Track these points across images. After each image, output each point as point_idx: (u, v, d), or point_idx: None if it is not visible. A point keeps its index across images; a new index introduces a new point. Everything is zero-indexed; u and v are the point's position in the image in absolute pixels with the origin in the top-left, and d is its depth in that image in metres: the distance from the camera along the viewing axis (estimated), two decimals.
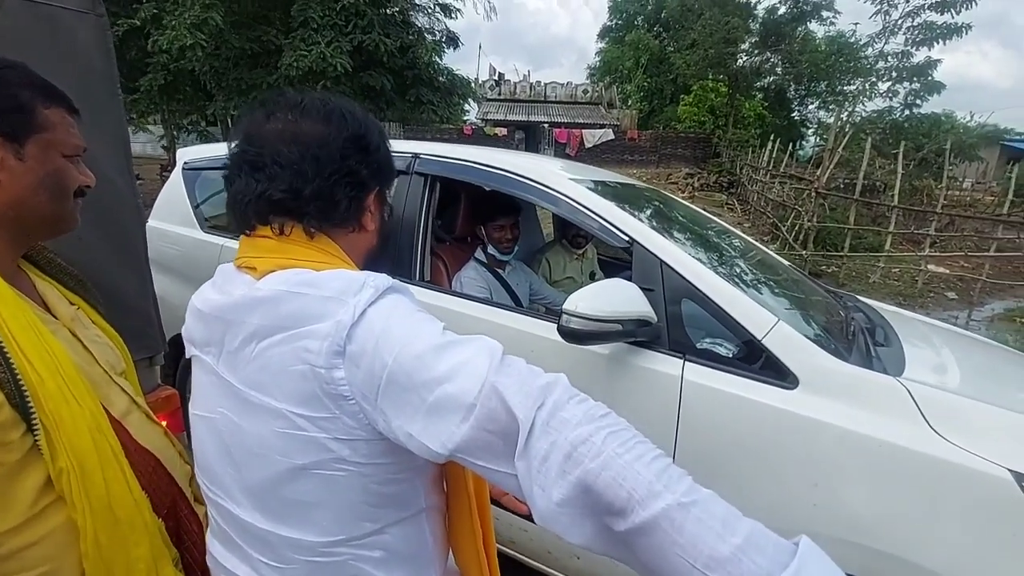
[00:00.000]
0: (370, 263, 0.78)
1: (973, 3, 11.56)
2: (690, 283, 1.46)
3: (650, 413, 1.44)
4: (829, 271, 7.71)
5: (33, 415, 0.69)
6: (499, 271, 2.25)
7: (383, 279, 0.63)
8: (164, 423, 1.00)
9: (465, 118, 22.62)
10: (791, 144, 12.53)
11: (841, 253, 7.79)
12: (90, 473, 0.72)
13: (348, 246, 0.73)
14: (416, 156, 2.00)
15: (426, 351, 0.57)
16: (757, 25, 19.98)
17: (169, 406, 1.43)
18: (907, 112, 14.80)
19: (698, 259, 1.54)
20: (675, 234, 1.72)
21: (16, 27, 1.15)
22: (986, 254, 7.00)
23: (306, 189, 0.66)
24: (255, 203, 0.67)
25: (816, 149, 19.27)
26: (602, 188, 1.84)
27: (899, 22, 12.38)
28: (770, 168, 12.17)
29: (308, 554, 0.66)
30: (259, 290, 0.63)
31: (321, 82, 10.37)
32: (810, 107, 23.97)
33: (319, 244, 0.69)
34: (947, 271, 7.59)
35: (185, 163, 2.75)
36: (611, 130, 21.25)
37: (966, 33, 12.30)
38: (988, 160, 17.94)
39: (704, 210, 2.65)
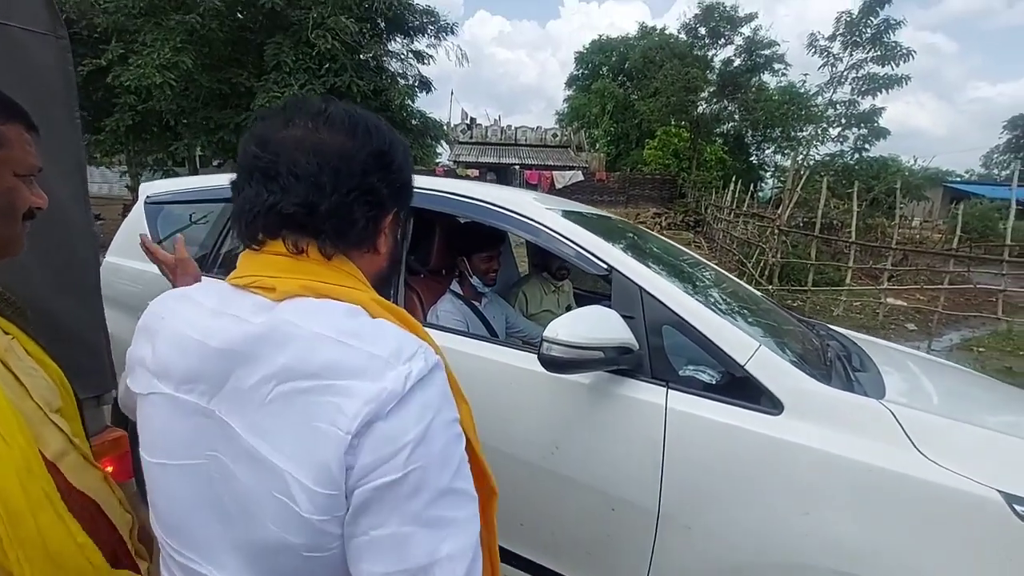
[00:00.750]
0: (381, 289, 0.71)
1: (911, 56, 12.54)
2: (671, 310, 1.44)
3: (634, 444, 1.39)
4: (795, 305, 7.92)
5: None
6: (475, 304, 2.21)
7: (431, 351, 0.58)
8: (109, 468, 0.90)
9: (438, 160, 22.95)
10: (751, 185, 13.11)
11: (805, 288, 8.04)
12: (18, 517, 0.63)
13: (363, 270, 0.67)
14: None
15: (444, 486, 0.53)
16: (715, 76, 21.19)
17: (117, 449, 1.31)
18: (857, 155, 15.73)
19: (677, 286, 1.54)
20: (651, 263, 1.72)
21: None
22: (940, 287, 7.34)
23: (323, 204, 0.60)
24: (265, 215, 0.60)
25: (775, 191, 20.15)
26: (577, 217, 1.84)
27: (845, 73, 13.30)
28: (733, 207, 12.63)
29: None
30: (291, 323, 0.56)
31: None
32: (767, 152, 25.23)
33: (339, 265, 0.63)
34: (905, 304, 7.89)
35: (148, 197, 2.65)
36: (580, 172, 21.85)
37: (906, 83, 13.32)
38: (933, 200, 19.17)
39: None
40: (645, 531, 1.38)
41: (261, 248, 0.62)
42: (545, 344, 1.32)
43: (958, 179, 22.79)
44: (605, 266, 1.56)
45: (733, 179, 13.53)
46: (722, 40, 20.58)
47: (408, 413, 0.52)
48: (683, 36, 22.01)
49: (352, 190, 0.61)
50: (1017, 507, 1.07)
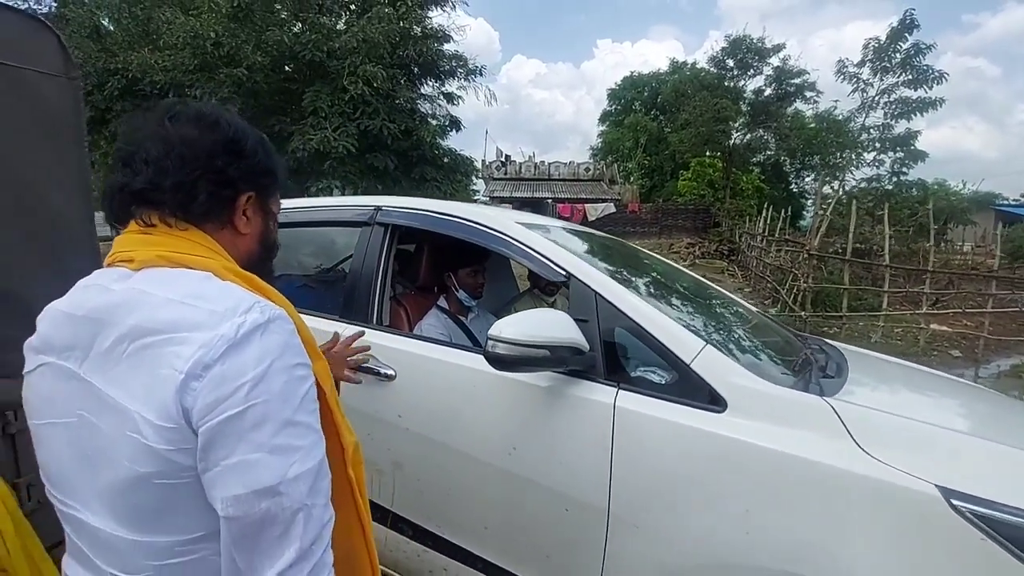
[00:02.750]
0: (257, 270, 0.79)
1: (943, 79, 12.23)
2: (621, 312, 1.48)
3: (585, 444, 1.41)
4: (830, 332, 7.62)
5: None
6: (462, 318, 2.29)
7: (270, 306, 0.66)
8: None
9: (475, 197, 23.54)
10: (786, 212, 12.85)
11: (839, 314, 7.74)
12: None
13: (224, 246, 0.76)
14: (378, 208, 2.11)
15: (287, 418, 0.62)
16: (746, 106, 21.14)
17: None
18: (895, 179, 15.24)
19: (633, 291, 1.58)
20: (621, 269, 1.77)
21: None
22: (985, 310, 6.91)
23: (166, 182, 0.70)
24: (119, 194, 0.72)
25: (813, 218, 19.66)
26: (547, 231, 1.92)
27: (876, 98, 13.06)
28: (766, 234, 12.38)
29: (162, 557, 0.64)
30: (142, 291, 0.65)
31: (328, 162, 10.99)
32: (806, 180, 24.72)
33: (190, 236, 0.73)
34: (949, 329, 7.46)
35: None
36: (612, 204, 21.95)
37: (940, 106, 12.94)
38: (984, 225, 18.22)
39: (704, 276, 2.70)
40: (597, 532, 1.38)
41: (124, 230, 0.74)
42: (490, 342, 1.37)
43: (1012, 202, 21.55)
44: (564, 273, 1.62)
45: (766, 206, 13.28)
46: (751, 71, 20.59)
47: (245, 356, 0.61)
48: (712, 69, 22.17)
49: (196, 170, 0.72)
50: (954, 502, 1.04)
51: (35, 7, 13.72)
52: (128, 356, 0.63)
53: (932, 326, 7.31)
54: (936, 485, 1.06)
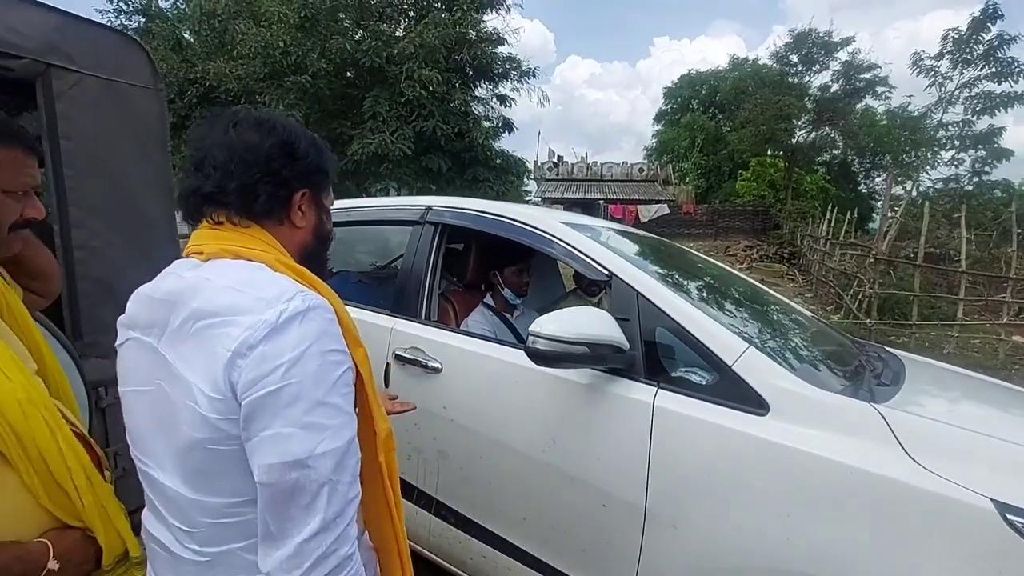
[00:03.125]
0: (312, 261, 0.88)
1: None
2: (663, 311, 1.49)
3: (623, 442, 1.43)
4: (898, 342, 7.16)
5: None
6: (507, 315, 2.35)
7: (312, 295, 0.73)
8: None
9: (527, 198, 23.64)
10: (853, 214, 12.13)
11: (910, 322, 7.26)
12: (26, 441, 0.79)
13: (282, 240, 0.85)
14: (429, 208, 2.20)
15: (319, 399, 0.68)
16: (811, 103, 20.15)
17: None
18: (975, 179, 14.08)
19: (676, 291, 1.58)
20: (666, 269, 1.77)
21: (91, 97, 1.46)
22: None
23: (231, 185, 0.79)
24: (192, 196, 0.82)
25: (887, 221, 18.52)
26: (591, 231, 1.94)
27: (955, 93, 12.12)
28: (830, 237, 11.77)
29: (214, 516, 0.73)
30: (206, 278, 0.74)
31: (384, 164, 11.36)
32: (877, 180, 23.30)
33: (253, 233, 0.82)
34: None
35: None
36: (666, 205, 21.47)
37: None
38: None
39: (761, 280, 2.64)
40: (633, 529, 1.40)
41: (197, 225, 0.83)
42: (531, 338, 1.42)
43: None
44: (606, 272, 1.64)
45: (831, 208, 12.61)
46: (816, 66, 19.59)
47: (285, 339, 0.68)
48: (775, 65, 21.27)
49: (256, 173, 0.80)
50: (1010, 516, 0.99)
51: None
52: (192, 334, 0.72)
53: (1014, 338, 6.73)
54: (990, 498, 1.02)
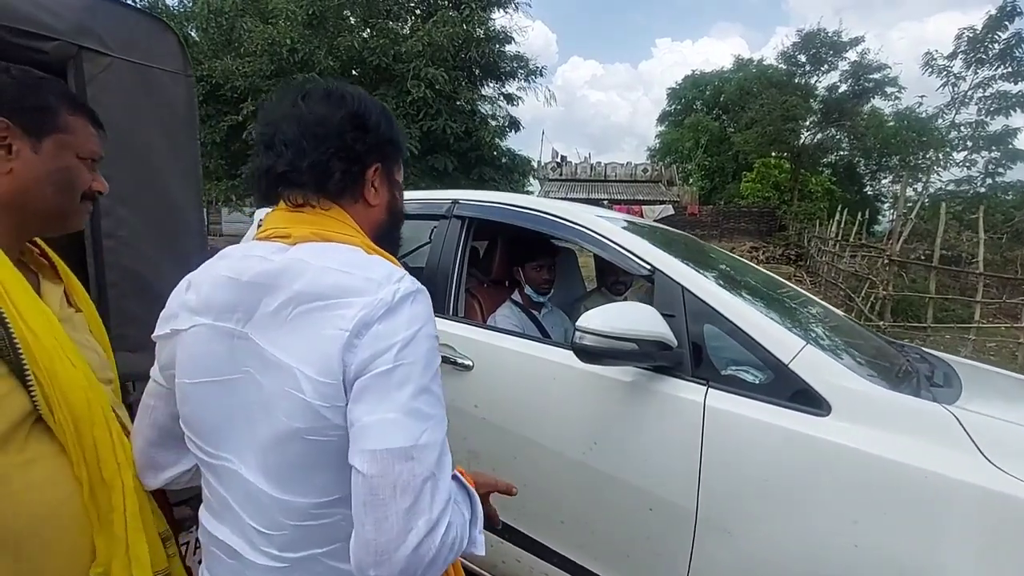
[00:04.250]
0: (386, 240, 0.83)
1: None
2: (712, 308, 1.43)
3: (671, 442, 1.37)
4: (913, 344, 7.09)
5: (26, 369, 0.73)
6: (535, 313, 2.29)
7: (417, 281, 0.70)
8: None
9: None
10: (862, 216, 12.08)
11: (924, 324, 7.19)
12: (83, 429, 0.77)
13: (358, 220, 0.80)
14: (455, 201, 2.15)
15: (425, 384, 0.64)
16: (818, 103, 20.07)
17: None
18: (989, 181, 13.99)
19: (721, 286, 1.52)
20: (700, 266, 1.71)
21: (122, 82, 1.40)
22: None
23: (304, 163, 0.74)
24: (265, 177, 0.76)
25: (893, 223, 18.49)
26: (628, 225, 1.88)
27: (969, 93, 12.05)
28: (839, 239, 11.69)
29: (299, 518, 0.67)
30: (303, 260, 0.69)
31: None
32: (883, 182, 23.22)
33: (334, 215, 0.77)
34: None
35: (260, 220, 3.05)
36: (671, 206, 21.41)
37: None
38: None
39: None
40: (683, 534, 1.34)
41: (276, 208, 0.78)
42: (578, 333, 1.36)
43: None
44: (648, 267, 1.59)
45: (839, 209, 12.54)
46: (825, 66, 19.50)
47: (399, 319, 0.64)
48: (782, 65, 21.19)
49: (329, 148, 0.75)
50: None
51: None
52: (292, 319, 0.66)
53: None
54: None
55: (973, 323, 6.87)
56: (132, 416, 1.47)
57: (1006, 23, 12.40)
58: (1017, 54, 12.27)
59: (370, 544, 0.59)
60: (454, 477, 0.74)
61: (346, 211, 0.78)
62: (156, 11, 15.07)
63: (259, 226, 0.80)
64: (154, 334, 0.79)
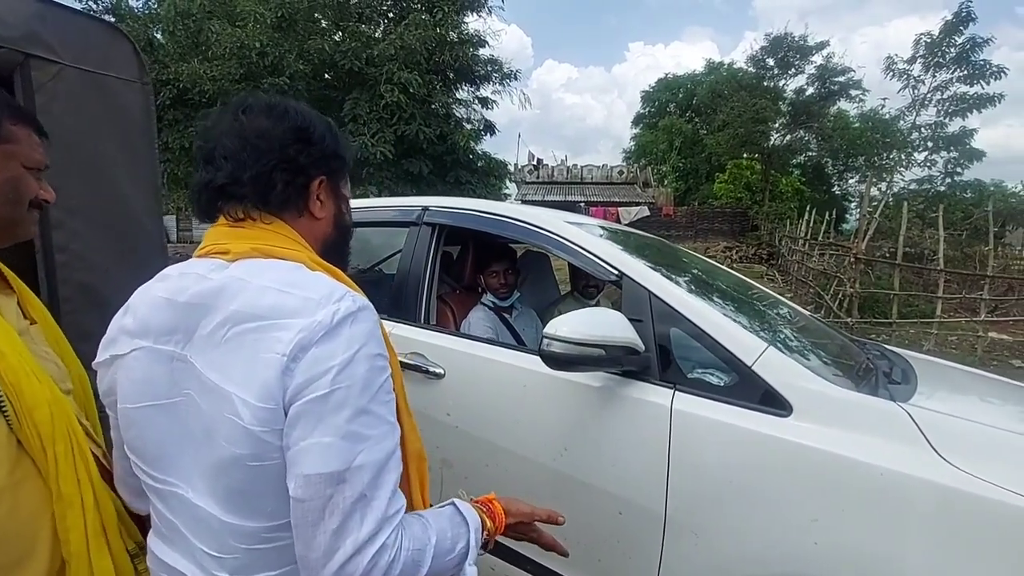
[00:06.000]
0: (333, 254, 0.82)
1: (1003, 74, 11.64)
2: (678, 311, 1.45)
3: (640, 446, 1.39)
4: (879, 339, 7.31)
5: None
6: (506, 315, 2.29)
7: (360, 296, 0.68)
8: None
9: (507, 201, 23.67)
10: (830, 215, 12.44)
11: (890, 320, 7.42)
12: (46, 444, 0.76)
13: (303, 233, 0.78)
14: (425, 208, 2.14)
15: (363, 406, 0.63)
16: (786, 106, 20.58)
17: None
18: (948, 180, 14.54)
19: (688, 291, 1.55)
20: (670, 270, 1.73)
21: (73, 91, 1.36)
22: None
23: (245, 175, 0.72)
24: (204, 191, 0.75)
25: (859, 221, 19.04)
26: (595, 229, 1.90)
27: (928, 95, 12.51)
28: (808, 238, 12.00)
29: (250, 541, 0.66)
30: (240, 279, 0.67)
31: (365, 169, 11.23)
32: (850, 182, 23.90)
33: (278, 230, 0.75)
34: (1009, 338, 7.05)
35: None
36: (647, 207, 21.68)
37: (999, 102, 12.28)
38: None
39: None
40: (653, 537, 1.35)
41: (213, 223, 0.76)
42: (545, 340, 1.36)
43: None
44: (616, 272, 1.60)
45: (808, 209, 12.87)
46: (792, 70, 20.03)
47: (336, 342, 0.63)
48: (751, 69, 21.66)
49: (271, 160, 0.73)
50: None
51: None
52: (227, 340, 0.65)
53: (991, 334, 6.93)
54: None
55: (935, 318, 7.12)
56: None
57: (961, 28, 12.94)
58: (973, 58, 12.83)
59: (302, 560, 0.63)
60: (452, 503, 0.75)
61: (290, 225, 0.77)
62: (119, 12, 14.71)
63: None
64: (94, 362, 0.77)
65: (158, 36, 13.75)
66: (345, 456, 0.61)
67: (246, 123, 0.74)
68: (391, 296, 2.06)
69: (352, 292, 0.68)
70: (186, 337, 0.68)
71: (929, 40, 13.56)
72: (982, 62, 12.66)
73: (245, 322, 0.64)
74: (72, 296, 1.39)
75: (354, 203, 2.51)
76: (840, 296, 8.58)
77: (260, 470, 0.63)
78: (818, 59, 19.55)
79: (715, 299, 1.77)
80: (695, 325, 1.42)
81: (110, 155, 1.47)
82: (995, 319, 7.39)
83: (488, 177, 13.84)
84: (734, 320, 1.45)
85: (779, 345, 1.40)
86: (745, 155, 22.39)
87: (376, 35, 12.44)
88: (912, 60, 14.19)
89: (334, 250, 0.83)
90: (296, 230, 0.77)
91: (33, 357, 0.82)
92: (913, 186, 15.05)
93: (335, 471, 0.60)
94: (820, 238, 11.58)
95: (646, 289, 1.52)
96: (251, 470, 0.63)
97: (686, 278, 1.84)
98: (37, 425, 0.76)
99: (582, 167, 26.42)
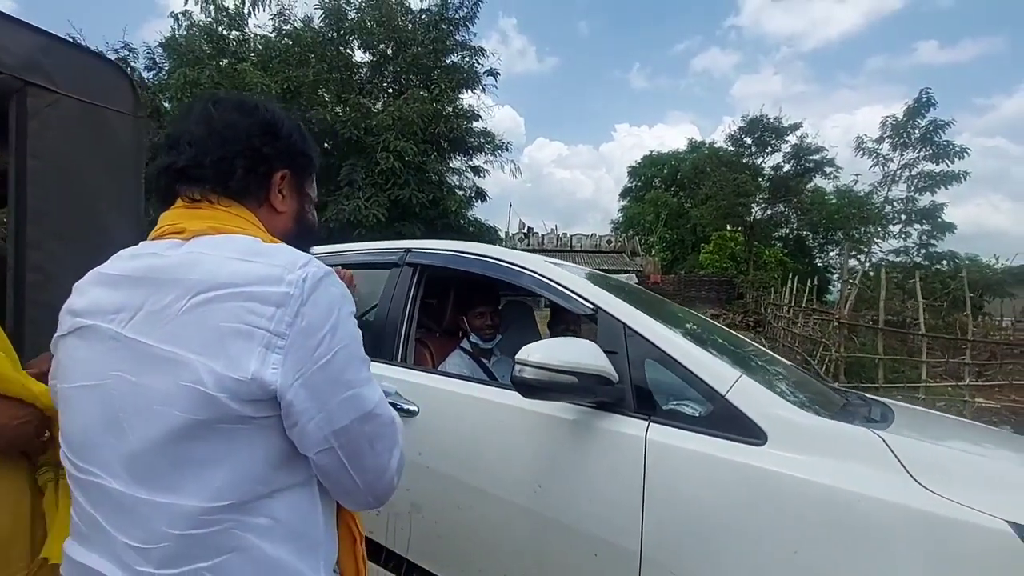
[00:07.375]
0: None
1: (965, 153, 12.41)
2: (651, 343, 1.46)
3: (614, 479, 1.34)
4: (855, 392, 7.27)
5: None
6: (484, 360, 2.27)
7: (321, 264, 0.68)
8: None
9: None
10: (813, 283, 12.73)
11: (876, 385, 7.41)
12: None
13: (264, 223, 0.79)
14: (408, 250, 2.17)
15: (362, 355, 0.71)
16: (765, 181, 21.59)
17: None
18: (924, 251, 15.11)
19: (663, 324, 1.56)
20: (650, 307, 1.75)
21: (67, 119, 1.42)
22: None
23: (207, 159, 0.74)
24: (165, 173, 0.76)
25: (841, 290, 19.45)
26: (577, 270, 1.93)
27: (898, 172, 13.26)
28: (792, 305, 12.19)
29: (185, 525, 0.61)
30: (200, 252, 0.66)
31: (358, 230, 11.43)
32: (831, 254, 24.63)
33: (234, 211, 0.76)
34: (996, 404, 7.03)
35: None
36: (635, 275, 22.04)
37: (965, 179, 13.03)
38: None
39: None
40: None
41: (171, 207, 0.76)
42: (518, 366, 1.35)
43: None
44: (591, 306, 1.62)
45: (791, 277, 13.19)
46: (769, 148, 21.19)
47: (319, 309, 0.65)
48: (730, 147, 22.89)
49: (235, 148, 0.76)
50: None
51: None
52: (187, 311, 0.63)
53: (978, 400, 6.92)
54: (1007, 520, 0.97)
55: (921, 383, 7.13)
56: None
57: (923, 112, 13.99)
58: (936, 139, 13.77)
59: (350, 493, 0.73)
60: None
61: (251, 213, 0.78)
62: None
63: None
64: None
65: (166, 104, 14.36)
66: (372, 396, 0.70)
67: (215, 114, 0.77)
68: (370, 335, 2.04)
69: (313, 258, 0.68)
70: (130, 315, 0.66)
71: (895, 122, 14.61)
72: (945, 142, 13.65)
73: (207, 291, 0.63)
74: (38, 318, 1.37)
75: (342, 247, 2.56)
76: (827, 361, 8.60)
77: (224, 434, 0.62)
78: (793, 139, 20.83)
79: (692, 333, 1.78)
80: (668, 355, 1.42)
81: (98, 182, 1.50)
82: (981, 384, 7.41)
83: (478, 242, 14.12)
84: (707, 351, 1.45)
85: (752, 375, 1.39)
86: (728, 227, 23.17)
87: (376, 108, 13.08)
88: (880, 140, 15.22)
89: (294, 245, 0.81)
90: (258, 219, 0.78)
91: None
92: (891, 256, 15.63)
93: (368, 411, 0.69)
94: (804, 305, 11.77)
95: (620, 322, 1.54)
96: (214, 434, 0.62)
97: (663, 314, 1.86)
98: None
99: (571, 236, 27.09)
